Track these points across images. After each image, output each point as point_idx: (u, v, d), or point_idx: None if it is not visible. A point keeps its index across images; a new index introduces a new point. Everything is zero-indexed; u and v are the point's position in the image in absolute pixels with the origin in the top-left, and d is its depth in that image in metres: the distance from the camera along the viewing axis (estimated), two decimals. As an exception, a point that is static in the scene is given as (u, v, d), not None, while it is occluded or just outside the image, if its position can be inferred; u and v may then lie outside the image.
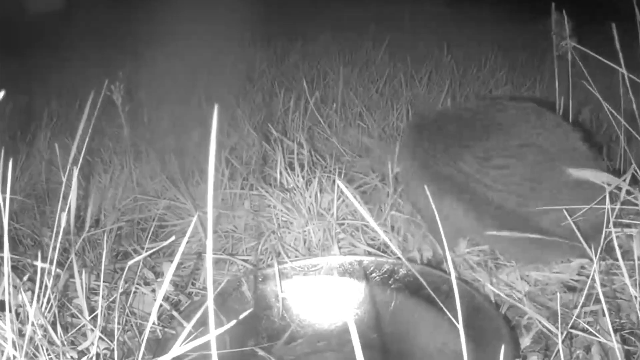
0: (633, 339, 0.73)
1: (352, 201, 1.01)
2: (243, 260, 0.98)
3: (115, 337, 0.71)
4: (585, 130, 1.06)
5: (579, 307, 0.73)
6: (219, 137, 1.49)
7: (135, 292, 0.86)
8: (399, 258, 0.86)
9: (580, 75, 0.94)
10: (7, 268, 0.62)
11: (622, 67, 0.83)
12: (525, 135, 0.91)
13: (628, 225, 0.91)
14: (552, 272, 0.89)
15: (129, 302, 0.85)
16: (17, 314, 0.67)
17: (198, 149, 1.45)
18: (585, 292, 0.71)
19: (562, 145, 0.92)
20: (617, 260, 0.80)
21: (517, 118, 0.94)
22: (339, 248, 0.99)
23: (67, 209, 0.67)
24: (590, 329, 0.71)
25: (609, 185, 0.84)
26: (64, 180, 0.68)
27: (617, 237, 0.89)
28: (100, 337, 0.70)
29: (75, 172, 0.68)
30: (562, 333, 0.66)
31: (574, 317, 0.70)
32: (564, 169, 0.87)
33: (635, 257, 0.69)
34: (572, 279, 0.87)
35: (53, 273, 0.68)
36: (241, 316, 0.52)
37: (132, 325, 0.82)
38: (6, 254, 0.60)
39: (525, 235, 0.85)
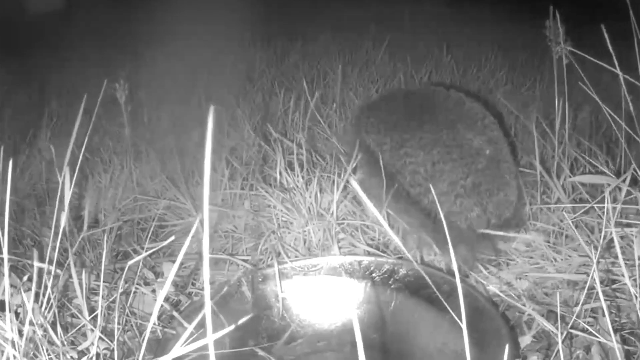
0: (633, 339, 0.73)
1: (365, 201, 1.01)
2: (243, 260, 0.98)
3: (115, 337, 0.71)
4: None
5: (579, 307, 0.73)
6: (218, 137, 1.49)
7: (135, 292, 0.86)
8: (399, 258, 0.86)
9: (581, 77, 0.94)
10: (7, 268, 0.62)
11: (617, 67, 0.83)
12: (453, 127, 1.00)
13: (628, 225, 0.91)
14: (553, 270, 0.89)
15: (129, 302, 0.85)
16: (17, 314, 0.67)
17: (198, 149, 1.45)
18: (585, 291, 0.71)
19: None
20: (616, 258, 0.80)
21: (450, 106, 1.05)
22: (339, 248, 0.99)
23: (65, 209, 0.67)
24: (590, 329, 0.71)
25: (608, 185, 0.84)
26: (60, 180, 0.68)
27: (618, 236, 0.89)
28: (100, 337, 0.70)
29: (68, 173, 0.67)
30: (562, 333, 0.66)
31: (573, 317, 0.70)
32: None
33: (636, 257, 0.69)
34: (572, 278, 0.87)
35: (53, 273, 0.68)
36: (240, 321, 0.52)
37: (132, 325, 0.82)
38: (6, 254, 0.60)
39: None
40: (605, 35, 0.82)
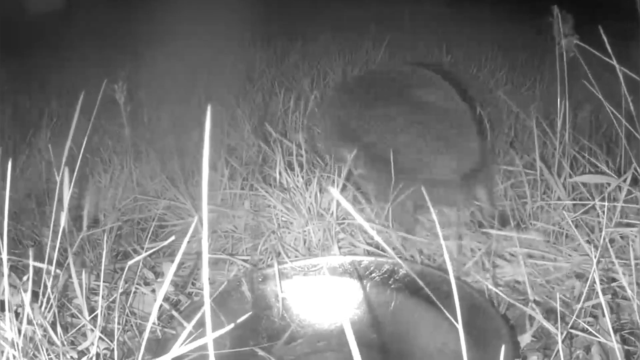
0: (633, 339, 0.73)
1: (347, 207, 1.02)
2: (243, 260, 0.98)
3: (115, 337, 0.71)
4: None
5: (579, 307, 0.73)
6: (219, 137, 1.49)
7: (135, 292, 0.86)
8: (399, 258, 0.86)
9: (583, 76, 0.94)
10: (6, 268, 0.62)
11: (616, 65, 0.83)
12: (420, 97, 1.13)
13: (628, 225, 0.91)
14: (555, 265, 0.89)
15: (129, 302, 0.85)
16: (17, 314, 0.67)
17: (198, 149, 1.45)
18: (585, 291, 0.71)
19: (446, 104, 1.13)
20: (617, 258, 0.80)
21: (418, 83, 1.17)
22: (339, 248, 0.99)
23: (64, 209, 0.67)
24: (590, 329, 0.71)
25: (608, 185, 0.84)
26: (58, 180, 0.68)
27: (618, 236, 0.89)
28: (100, 337, 0.70)
29: (67, 173, 0.67)
30: (562, 333, 0.66)
31: (573, 317, 0.70)
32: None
33: (631, 257, 0.69)
34: (572, 277, 0.87)
35: (52, 273, 0.68)
36: (240, 319, 0.52)
37: (132, 325, 0.82)
38: (6, 254, 0.60)
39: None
40: (603, 35, 0.82)
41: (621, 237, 0.90)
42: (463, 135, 1.07)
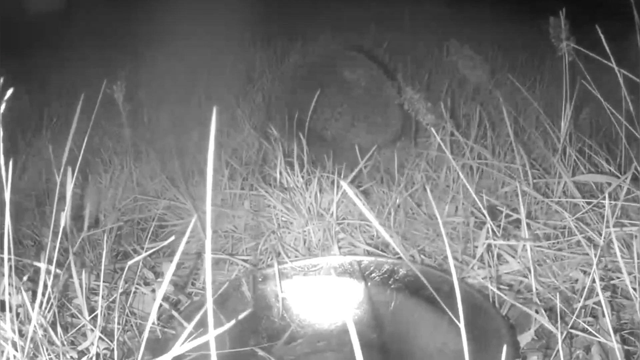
0: (633, 339, 0.73)
1: (358, 204, 1.02)
2: (243, 260, 0.98)
3: (115, 337, 0.71)
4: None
5: (579, 307, 0.73)
6: (218, 137, 1.49)
7: (135, 292, 0.86)
8: (399, 258, 0.86)
9: (583, 77, 0.94)
10: (7, 268, 0.62)
11: (614, 65, 0.83)
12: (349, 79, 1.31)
13: (629, 224, 0.90)
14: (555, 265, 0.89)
15: (129, 302, 0.85)
16: (17, 314, 0.67)
17: (198, 149, 1.45)
18: (585, 290, 0.71)
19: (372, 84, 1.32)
20: (621, 257, 0.80)
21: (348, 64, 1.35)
22: (339, 248, 0.99)
23: (65, 209, 0.67)
24: (590, 329, 0.71)
25: (609, 184, 0.84)
26: (59, 180, 0.68)
27: (619, 235, 0.89)
28: (100, 337, 0.70)
29: (69, 172, 0.67)
30: (562, 333, 0.66)
31: (573, 317, 0.70)
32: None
33: (635, 256, 0.69)
34: (572, 276, 0.87)
35: (53, 273, 0.68)
36: (240, 316, 0.52)
37: (132, 325, 0.82)
38: (6, 254, 0.60)
39: None
40: (601, 35, 0.82)
41: (623, 237, 0.90)
42: (384, 108, 1.25)
